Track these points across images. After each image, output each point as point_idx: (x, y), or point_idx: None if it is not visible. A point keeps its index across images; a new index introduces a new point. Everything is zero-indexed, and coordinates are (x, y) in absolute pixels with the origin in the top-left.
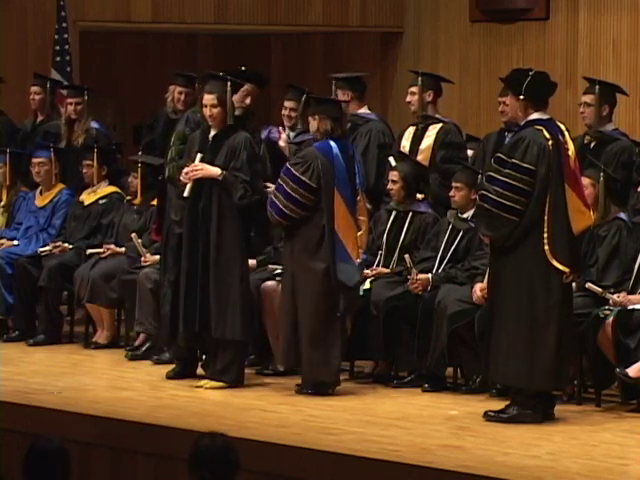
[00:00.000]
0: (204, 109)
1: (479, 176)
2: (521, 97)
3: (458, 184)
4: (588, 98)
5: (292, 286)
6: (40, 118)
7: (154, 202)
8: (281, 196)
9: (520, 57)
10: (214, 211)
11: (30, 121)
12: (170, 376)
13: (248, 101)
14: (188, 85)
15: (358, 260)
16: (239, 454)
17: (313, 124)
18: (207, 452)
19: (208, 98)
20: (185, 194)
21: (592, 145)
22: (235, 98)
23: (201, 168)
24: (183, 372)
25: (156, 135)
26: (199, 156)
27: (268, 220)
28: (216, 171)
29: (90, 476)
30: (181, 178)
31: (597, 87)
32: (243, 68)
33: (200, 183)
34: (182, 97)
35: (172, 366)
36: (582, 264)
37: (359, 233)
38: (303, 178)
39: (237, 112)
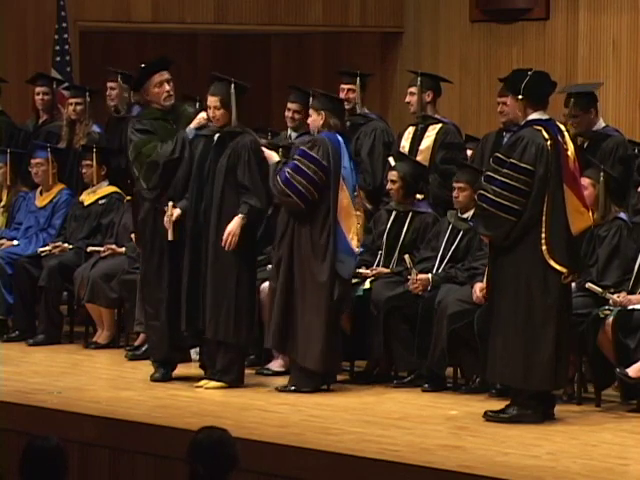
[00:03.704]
0: (208, 110)
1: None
2: (519, 97)
3: (461, 184)
4: (571, 111)
5: (289, 275)
6: (43, 118)
7: None
8: (299, 176)
9: (520, 57)
10: (214, 214)
11: (32, 121)
12: (157, 379)
13: (168, 87)
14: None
15: (357, 251)
16: (237, 450)
17: (316, 119)
18: (202, 445)
19: (212, 100)
20: (170, 238)
21: (585, 145)
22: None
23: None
24: (168, 375)
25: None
26: (175, 208)
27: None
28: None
29: (89, 476)
30: (164, 223)
31: (572, 100)
32: (143, 65)
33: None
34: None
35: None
36: (581, 264)
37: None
38: (317, 156)
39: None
